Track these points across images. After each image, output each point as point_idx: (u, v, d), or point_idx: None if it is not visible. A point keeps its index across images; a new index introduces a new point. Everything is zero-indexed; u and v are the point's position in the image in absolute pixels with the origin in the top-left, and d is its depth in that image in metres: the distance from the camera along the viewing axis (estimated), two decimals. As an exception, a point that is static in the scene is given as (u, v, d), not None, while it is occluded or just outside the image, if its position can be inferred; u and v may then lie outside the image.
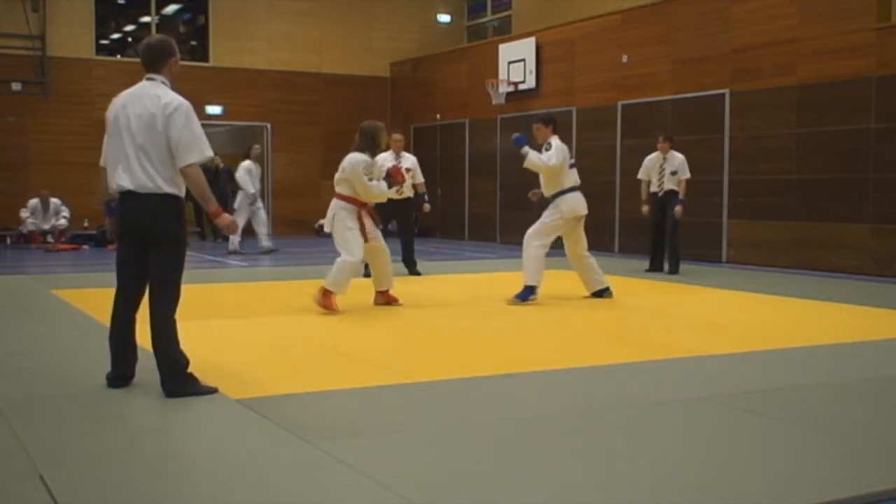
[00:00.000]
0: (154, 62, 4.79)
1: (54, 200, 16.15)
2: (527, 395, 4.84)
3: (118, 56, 18.76)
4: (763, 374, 5.42)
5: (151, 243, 4.70)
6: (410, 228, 11.36)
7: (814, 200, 11.93)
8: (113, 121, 4.74)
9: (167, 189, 4.65)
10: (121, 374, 4.84)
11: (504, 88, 16.84)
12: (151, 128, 4.61)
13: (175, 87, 4.85)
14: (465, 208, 18.59)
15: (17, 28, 17.25)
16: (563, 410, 4.53)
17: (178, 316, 4.76)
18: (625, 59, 14.77)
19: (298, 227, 19.61)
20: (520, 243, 8.60)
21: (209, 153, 4.72)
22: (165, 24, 19.52)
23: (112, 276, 4.90)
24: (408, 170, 10.89)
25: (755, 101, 12.64)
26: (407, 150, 11.55)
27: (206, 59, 19.14)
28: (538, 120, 8.89)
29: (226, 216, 4.93)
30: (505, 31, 19.21)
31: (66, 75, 17.78)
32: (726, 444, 3.95)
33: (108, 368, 4.86)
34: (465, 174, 18.55)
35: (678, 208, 11.00)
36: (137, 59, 4.93)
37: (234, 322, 7.32)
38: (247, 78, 19.19)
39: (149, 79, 4.78)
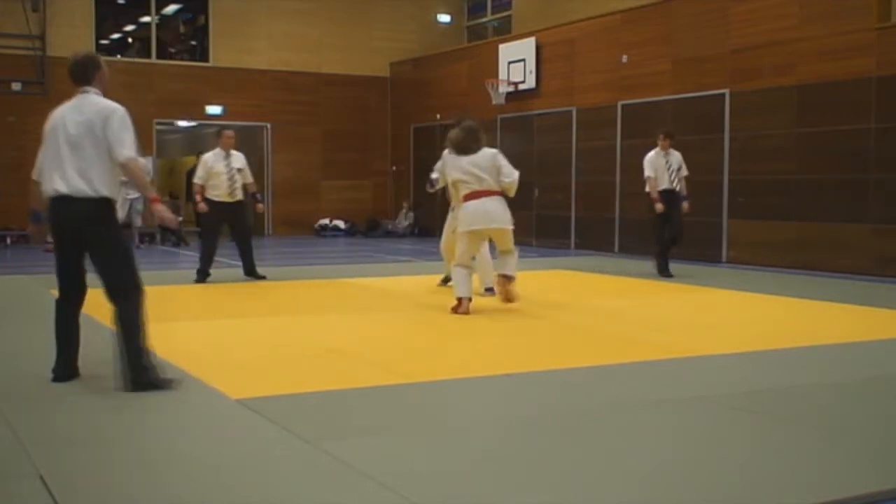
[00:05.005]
0: (84, 76, 5.10)
1: None
2: (527, 395, 4.84)
3: (118, 56, 18.72)
4: (763, 374, 5.42)
5: (89, 248, 4.88)
6: (247, 233, 10.27)
7: (814, 200, 11.93)
8: (51, 131, 4.95)
9: (103, 192, 4.83)
10: (65, 370, 4.98)
11: (504, 88, 16.84)
12: (90, 132, 4.83)
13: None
14: (465, 208, 18.60)
15: (17, 28, 17.24)
16: (563, 410, 4.53)
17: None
18: (624, 59, 14.77)
19: (298, 227, 19.62)
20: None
21: (138, 156, 4.97)
22: (165, 24, 19.51)
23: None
24: (239, 170, 10.01)
25: (755, 101, 12.64)
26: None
27: (206, 59, 19.13)
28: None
29: (161, 206, 5.11)
30: (505, 31, 19.21)
31: (66, 75, 17.72)
32: (726, 444, 3.94)
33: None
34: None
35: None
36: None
37: (234, 322, 7.32)
38: (247, 78, 19.19)
39: (83, 91, 5.05)
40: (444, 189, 9.44)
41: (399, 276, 10.92)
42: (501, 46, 17.23)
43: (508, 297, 7.93)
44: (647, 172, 10.74)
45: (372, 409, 4.52)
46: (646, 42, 14.40)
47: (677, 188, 10.78)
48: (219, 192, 9.89)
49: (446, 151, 9.37)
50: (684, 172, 10.91)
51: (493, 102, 16.96)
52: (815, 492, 3.33)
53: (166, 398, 4.70)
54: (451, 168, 7.94)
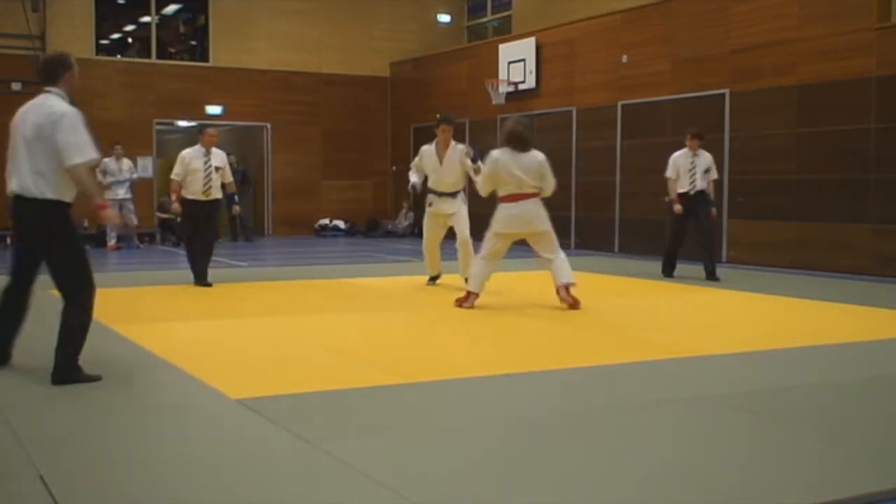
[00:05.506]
0: (51, 76, 5.07)
1: None
2: (527, 395, 4.84)
3: (118, 56, 18.71)
4: (763, 374, 5.43)
5: (41, 249, 4.97)
6: (212, 235, 10.00)
7: (814, 200, 11.93)
8: (13, 129, 5.03)
9: (49, 195, 4.88)
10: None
11: (504, 88, 16.83)
12: (41, 134, 4.87)
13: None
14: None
15: (17, 28, 17.21)
16: (564, 410, 4.53)
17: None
18: (624, 59, 14.76)
19: (298, 227, 19.62)
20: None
21: (94, 155, 4.97)
22: (165, 24, 19.49)
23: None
24: (217, 168, 9.69)
25: (755, 101, 12.63)
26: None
27: (206, 59, 19.11)
28: (451, 122, 9.38)
29: (109, 211, 5.26)
30: (505, 31, 19.20)
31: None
32: (726, 444, 3.95)
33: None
34: (465, 174, 18.53)
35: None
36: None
37: (234, 322, 7.31)
38: (247, 78, 19.18)
39: (46, 91, 5.05)
40: (424, 183, 9.69)
41: (399, 276, 10.92)
42: (501, 46, 17.22)
43: (573, 304, 7.91)
44: (667, 173, 10.49)
45: (372, 409, 4.52)
46: (646, 42, 14.39)
47: (691, 191, 10.33)
48: (194, 190, 9.57)
49: (424, 147, 9.58)
50: (713, 175, 10.56)
51: (493, 102, 16.95)
52: (815, 492, 3.33)
53: (166, 398, 4.70)
54: (501, 168, 7.90)
